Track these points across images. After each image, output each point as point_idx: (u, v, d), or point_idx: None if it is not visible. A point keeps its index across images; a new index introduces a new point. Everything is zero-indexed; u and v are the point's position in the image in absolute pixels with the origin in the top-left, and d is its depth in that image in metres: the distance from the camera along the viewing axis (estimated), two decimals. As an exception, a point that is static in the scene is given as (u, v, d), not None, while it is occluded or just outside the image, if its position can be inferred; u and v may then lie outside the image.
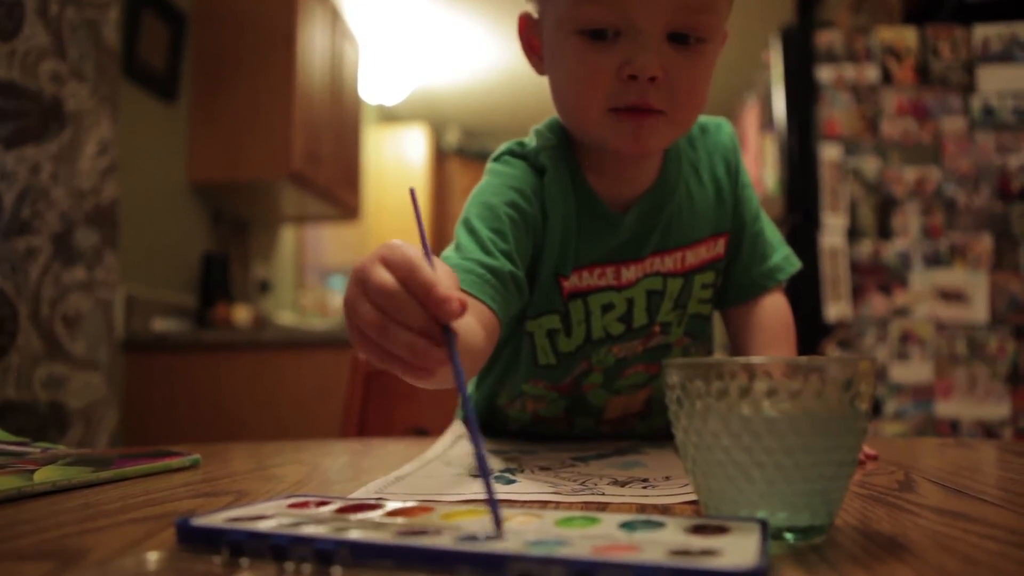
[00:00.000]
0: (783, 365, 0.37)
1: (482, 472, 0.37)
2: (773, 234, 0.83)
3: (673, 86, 0.64)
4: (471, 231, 0.66)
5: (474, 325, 0.56)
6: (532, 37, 0.73)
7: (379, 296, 0.41)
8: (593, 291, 0.74)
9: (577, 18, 0.63)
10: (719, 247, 0.78)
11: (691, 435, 0.39)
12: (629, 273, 0.74)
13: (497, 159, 0.75)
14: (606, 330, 0.76)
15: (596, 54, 0.64)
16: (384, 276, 0.41)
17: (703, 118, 0.80)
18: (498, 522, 0.35)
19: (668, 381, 0.40)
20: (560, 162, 0.72)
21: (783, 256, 0.82)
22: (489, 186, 0.71)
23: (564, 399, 0.80)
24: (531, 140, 0.75)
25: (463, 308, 0.41)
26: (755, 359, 0.38)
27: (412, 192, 0.47)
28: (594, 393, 0.80)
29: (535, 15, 0.72)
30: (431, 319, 0.41)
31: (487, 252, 0.64)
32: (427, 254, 0.43)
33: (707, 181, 0.78)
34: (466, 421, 0.49)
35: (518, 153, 0.74)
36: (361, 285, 0.41)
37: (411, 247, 0.42)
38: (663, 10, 0.62)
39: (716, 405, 0.37)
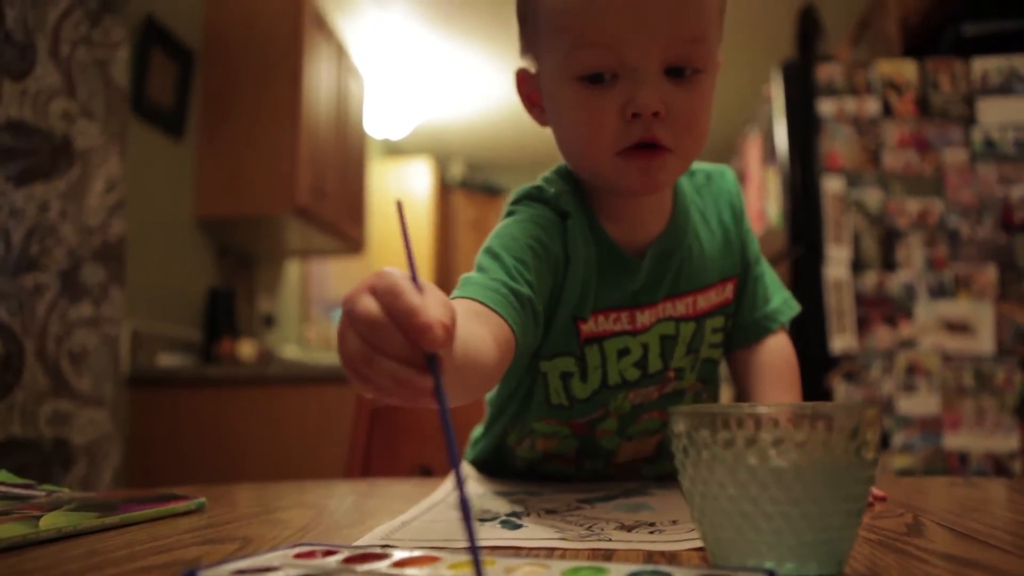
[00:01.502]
0: (789, 414, 0.37)
1: (464, 517, 0.35)
2: (772, 277, 0.84)
3: (675, 120, 0.65)
4: (495, 257, 0.66)
5: (488, 340, 0.56)
6: (531, 91, 0.74)
7: (362, 326, 0.39)
8: (609, 336, 0.74)
9: (573, 65, 0.65)
10: (728, 291, 0.80)
11: (697, 484, 0.39)
12: (644, 318, 0.75)
13: (517, 202, 0.75)
14: (622, 375, 0.76)
15: (597, 98, 0.65)
16: (368, 305, 0.39)
17: (707, 166, 0.82)
18: (478, 573, 0.34)
19: (674, 429, 0.40)
20: (581, 206, 0.73)
21: (783, 299, 0.83)
22: (513, 223, 0.71)
23: (575, 438, 0.80)
24: (547, 186, 0.75)
25: (448, 336, 0.39)
26: (761, 408, 0.38)
27: (399, 205, 0.44)
28: (607, 438, 0.80)
29: (531, 70, 0.73)
30: (415, 347, 0.39)
31: (511, 277, 0.64)
32: (414, 276, 0.40)
33: (715, 227, 0.80)
34: (449, 453, 0.46)
35: (538, 198, 0.74)
36: (348, 315, 0.40)
37: (401, 274, 0.40)
38: (656, 46, 0.63)
39: (722, 455, 0.37)
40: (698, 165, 0.82)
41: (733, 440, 0.37)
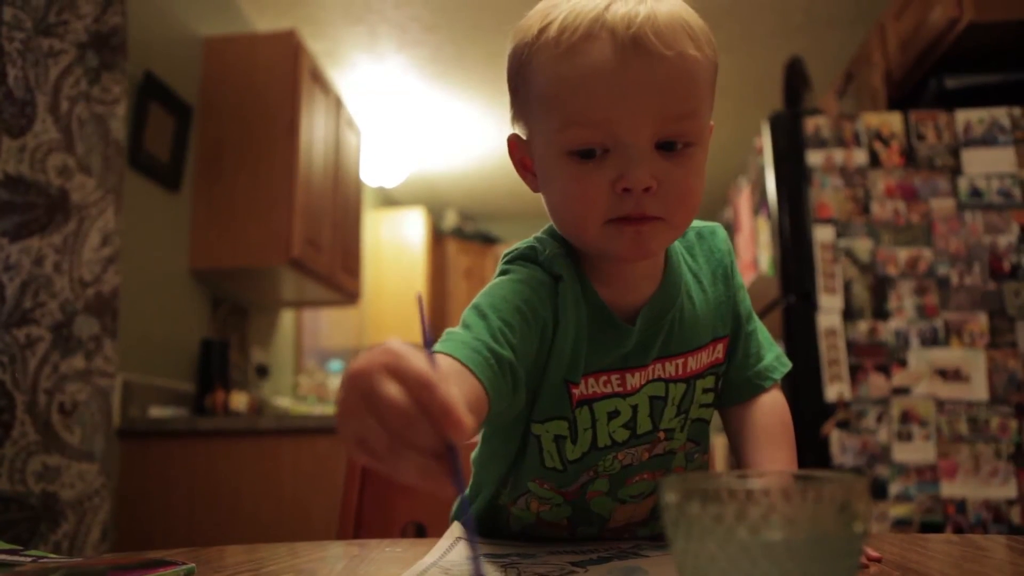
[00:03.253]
0: (779, 487, 0.38)
1: None
2: (764, 334, 0.84)
3: (667, 192, 0.65)
4: (482, 315, 0.65)
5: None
6: (523, 157, 0.73)
7: (389, 414, 0.38)
8: (599, 398, 0.74)
9: (564, 141, 0.65)
10: (719, 351, 0.79)
11: (688, 556, 0.39)
12: (634, 380, 0.74)
13: (512, 261, 0.75)
14: (611, 437, 0.75)
15: (588, 173, 0.65)
16: (393, 393, 0.38)
17: (698, 224, 0.82)
18: None
19: (664, 501, 0.40)
20: (570, 270, 0.73)
21: (775, 356, 0.83)
22: (506, 283, 0.71)
23: (568, 505, 0.79)
24: (541, 247, 0.74)
25: (475, 426, 0.40)
26: (751, 480, 0.38)
27: (419, 299, 0.45)
28: (599, 501, 0.79)
29: (523, 136, 0.73)
30: (440, 439, 0.39)
31: (494, 338, 0.63)
32: (433, 364, 0.40)
33: (707, 286, 0.79)
34: (464, 521, 0.45)
35: (532, 259, 0.74)
36: (365, 398, 0.38)
37: (416, 354, 0.40)
38: (647, 124, 0.63)
39: (713, 528, 0.37)
40: (694, 226, 0.82)
41: (723, 514, 0.37)
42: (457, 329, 0.65)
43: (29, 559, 0.71)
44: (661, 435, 0.77)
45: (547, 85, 0.65)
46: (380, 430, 0.39)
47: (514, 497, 0.81)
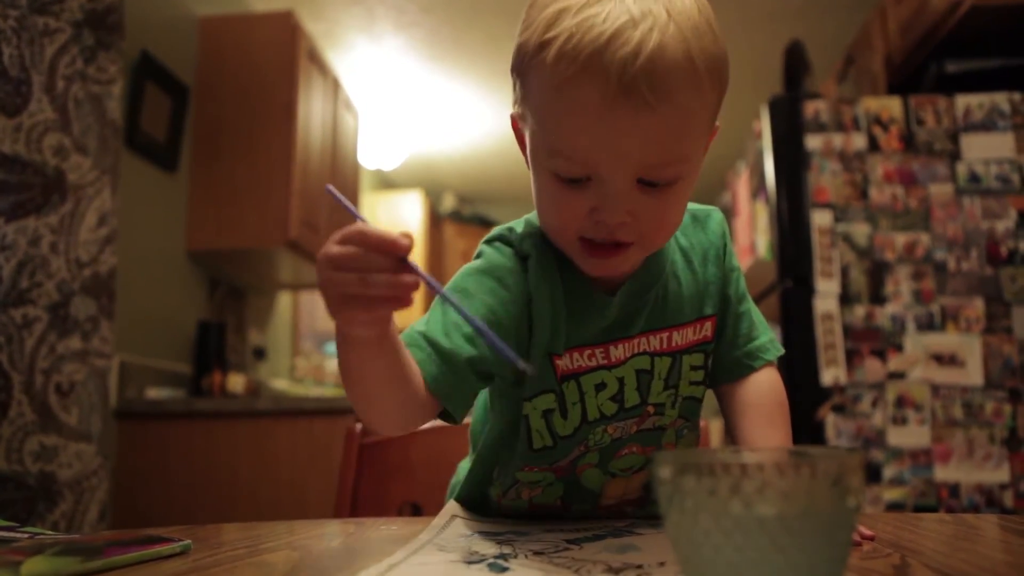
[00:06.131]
0: (773, 461, 0.38)
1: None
2: (759, 316, 0.84)
3: (642, 222, 0.66)
4: (443, 311, 0.70)
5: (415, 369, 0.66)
6: (523, 135, 0.73)
7: (346, 261, 0.51)
8: (584, 372, 0.75)
9: (550, 165, 0.66)
10: (707, 330, 0.80)
11: (683, 531, 0.39)
12: (618, 352, 0.75)
13: (489, 242, 0.77)
14: (600, 410, 0.76)
15: (568, 195, 0.66)
16: (342, 248, 0.52)
17: (694, 207, 0.82)
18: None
19: (658, 476, 0.40)
20: (546, 248, 0.74)
21: (769, 339, 0.83)
22: (473, 270, 0.74)
23: (560, 482, 0.80)
24: (517, 227, 0.77)
25: (411, 240, 0.52)
26: (745, 455, 0.38)
27: (329, 189, 0.61)
28: (589, 475, 0.80)
29: (521, 123, 0.72)
30: (393, 259, 0.51)
31: (447, 335, 0.68)
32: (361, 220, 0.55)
33: (697, 266, 0.80)
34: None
35: (506, 239, 0.76)
36: (331, 263, 0.52)
37: (349, 225, 0.53)
38: (628, 168, 0.63)
39: (707, 502, 0.38)
40: (691, 209, 0.82)
41: (717, 488, 0.37)
42: (418, 322, 0.71)
43: (26, 535, 0.72)
44: (650, 409, 0.78)
45: (539, 107, 0.65)
46: (349, 276, 0.51)
47: (504, 489, 0.82)
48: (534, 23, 0.64)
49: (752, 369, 0.81)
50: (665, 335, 0.77)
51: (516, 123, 0.73)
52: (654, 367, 0.77)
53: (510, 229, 0.77)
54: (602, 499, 0.82)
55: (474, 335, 0.68)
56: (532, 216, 0.77)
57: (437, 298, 0.67)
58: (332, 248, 0.52)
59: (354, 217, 0.57)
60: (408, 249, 0.51)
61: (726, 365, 0.82)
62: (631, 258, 0.69)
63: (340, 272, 0.51)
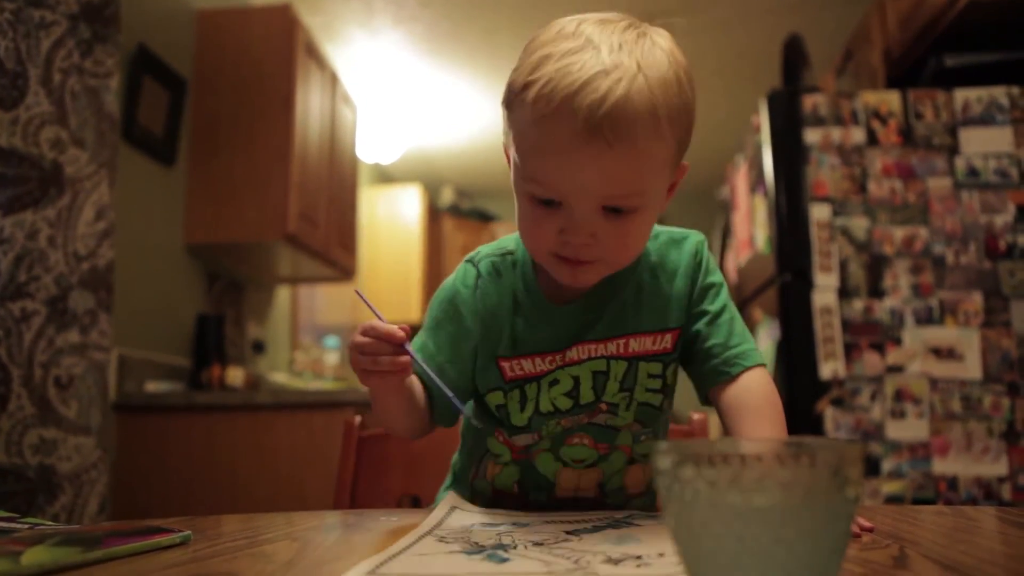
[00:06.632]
0: (772, 451, 0.38)
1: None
2: (741, 328, 0.87)
3: (604, 244, 0.74)
4: (424, 352, 0.86)
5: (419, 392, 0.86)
6: (510, 162, 0.80)
7: (365, 347, 0.74)
8: (533, 377, 0.84)
9: (527, 188, 0.75)
10: (667, 342, 0.85)
11: (681, 522, 0.39)
12: (573, 353, 0.83)
13: (466, 261, 0.89)
14: (554, 404, 0.84)
15: (542, 216, 0.75)
16: (362, 338, 0.74)
17: (675, 231, 0.89)
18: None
19: (658, 466, 0.40)
20: (501, 264, 0.87)
21: (750, 348, 0.85)
22: (441, 292, 0.89)
23: (515, 465, 0.88)
24: (510, 243, 0.89)
25: (406, 333, 0.74)
26: (744, 445, 0.38)
27: (357, 292, 0.82)
28: (542, 460, 0.87)
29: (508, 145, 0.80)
30: (394, 346, 0.74)
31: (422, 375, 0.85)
32: (380, 319, 0.76)
33: (663, 282, 0.86)
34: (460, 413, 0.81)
35: (472, 260, 0.89)
36: (355, 349, 0.75)
37: (372, 320, 0.75)
38: (592, 197, 0.72)
39: (706, 493, 0.38)
40: (667, 230, 0.89)
41: (716, 478, 0.37)
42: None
43: (26, 526, 0.72)
44: (603, 406, 0.85)
45: (519, 138, 0.74)
46: (366, 359, 0.74)
47: (477, 463, 0.91)
48: (523, 65, 0.73)
49: (730, 376, 0.83)
50: (623, 341, 0.84)
51: (506, 150, 0.80)
52: (610, 369, 0.84)
53: (499, 246, 0.89)
54: (557, 489, 0.87)
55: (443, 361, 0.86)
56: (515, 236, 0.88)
57: (422, 334, 0.88)
58: (356, 338, 0.74)
59: (376, 315, 0.77)
60: (403, 339, 0.73)
61: (706, 372, 0.85)
62: (596, 272, 0.78)
63: (360, 355, 0.74)
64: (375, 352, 0.73)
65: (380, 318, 0.75)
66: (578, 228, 0.73)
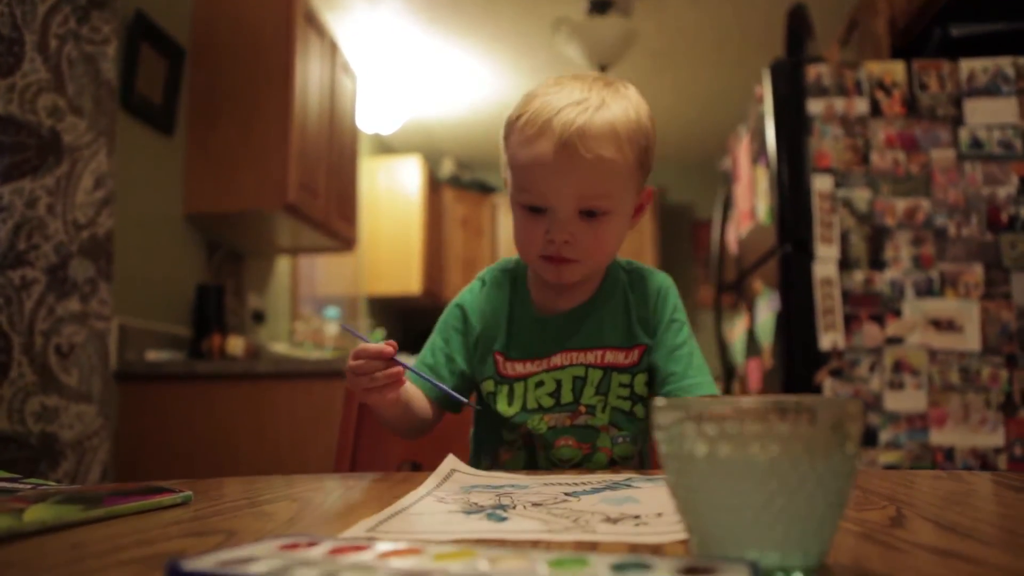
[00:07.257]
0: (773, 408, 0.38)
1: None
2: (699, 362, 1.01)
3: (581, 245, 0.93)
4: (433, 347, 1.05)
5: (421, 398, 1.00)
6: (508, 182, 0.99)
7: (359, 368, 0.84)
8: (522, 377, 1.00)
9: (519, 198, 0.95)
10: (634, 356, 1.01)
11: (682, 477, 0.39)
12: (556, 359, 1.00)
13: (479, 277, 1.08)
14: (538, 402, 0.99)
15: (531, 222, 0.95)
16: (356, 362, 0.84)
17: (646, 270, 1.07)
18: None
19: (658, 423, 0.41)
20: (502, 277, 1.06)
21: (708, 380, 1.00)
22: (451, 303, 1.08)
23: (523, 451, 1.01)
24: (510, 262, 1.08)
25: (393, 348, 0.84)
26: (744, 401, 0.38)
27: (342, 327, 1.11)
28: (540, 457, 1.00)
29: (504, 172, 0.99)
30: (384, 360, 0.84)
31: (434, 365, 1.03)
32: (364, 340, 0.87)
33: (632, 307, 1.03)
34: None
35: (481, 277, 1.08)
36: (351, 371, 0.85)
37: (363, 343, 0.85)
38: (570, 199, 0.91)
39: (706, 448, 0.38)
40: (640, 267, 1.07)
41: (717, 434, 0.37)
42: (423, 353, 1.06)
43: (28, 486, 0.72)
44: (582, 408, 1.00)
45: (513, 158, 0.95)
46: (362, 380, 0.84)
47: (489, 449, 1.04)
48: (517, 105, 0.95)
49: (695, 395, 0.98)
50: (599, 352, 1.00)
51: (505, 181, 0.98)
52: (588, 376, 1.00)
53: (501, 266, 1.09)
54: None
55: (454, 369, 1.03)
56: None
57: (433, 334, 1.05)
58: (350, 363, 0.84)
59: (361, 339, 0.88)
60: (391, 353, 0.83)
61: (664, 396, 0.99)
62: (576, 270, 0.96)
63: (356, 377, 0.84)
64: (369, 371, 0.83)
65: (366, 342, 0.86)
66: (560, 228, 0.91)
